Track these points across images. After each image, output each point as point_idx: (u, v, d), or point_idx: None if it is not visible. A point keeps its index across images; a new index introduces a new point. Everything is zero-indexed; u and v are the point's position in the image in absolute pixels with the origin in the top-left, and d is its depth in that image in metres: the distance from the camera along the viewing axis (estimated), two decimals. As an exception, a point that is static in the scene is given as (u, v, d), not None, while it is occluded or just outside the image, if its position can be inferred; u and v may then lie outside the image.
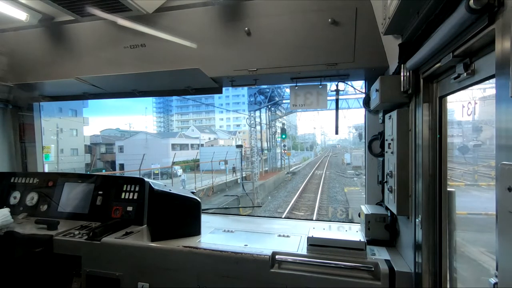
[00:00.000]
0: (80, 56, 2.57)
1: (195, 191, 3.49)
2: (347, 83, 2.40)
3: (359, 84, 2.55)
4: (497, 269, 0.83)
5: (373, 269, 1.71)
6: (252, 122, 24.20)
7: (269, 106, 25.78)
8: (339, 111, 2.50)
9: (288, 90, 21.97)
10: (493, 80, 0.92)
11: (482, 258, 1.70)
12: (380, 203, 2.19)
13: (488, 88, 1.34)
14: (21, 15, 2.26)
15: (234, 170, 25.91)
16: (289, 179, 26.48)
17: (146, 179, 2.62)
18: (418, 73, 1.54)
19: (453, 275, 1.45)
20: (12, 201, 2.87)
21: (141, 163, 16.80)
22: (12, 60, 2.72)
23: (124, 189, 2.65)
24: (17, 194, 2.89)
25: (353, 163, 30.61)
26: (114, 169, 31.16)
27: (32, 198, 2.84)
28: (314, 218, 12.70)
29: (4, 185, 2.97)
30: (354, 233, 2.01)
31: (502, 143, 0.83)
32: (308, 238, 1.89)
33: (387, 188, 1.86)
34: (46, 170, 4.50)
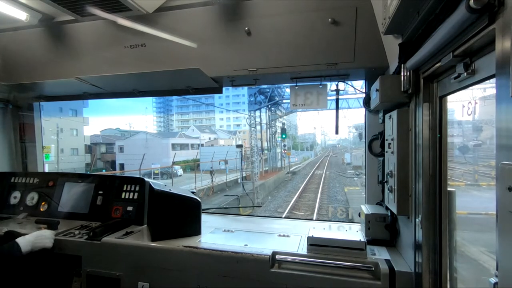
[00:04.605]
0: (80, 56, 2.56)
1: (195, 191, 3.49)
2: (347, 83, 2.40)
3: (359, 84, 2.56)
4: (497, 269, 0.83)
5: (373, 269, 1.71)
6: (252, 122, 24.22)
7: (269, 106, 25.81)
8: (339, 111, 2.50)
9: (288, 90, 21.99)
10: (493, 80, 0.92)
11: (482, 258, 1.70)
12: (380, 203, 2.19)
13: (488, 88, 1.34)
14: (21, 15, 2.26)
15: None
16: (289, 179, 26.48)
17: (146, 179, 2.62)
18: (418, 72, 1.54)
19: (453, 275, 1.45)
20: (12, 201, 2.87)
21: (141, 163, 16.84)
22: (12, 60, 2.71)
23: (124, 189, 2.64)
24: (17, 194, 2.89)
25: (353, 163, 30.66)
26: (114, 169, 31.15)
27: (32, 198, 2.84)
28: (314, 218, 12.71)
29: (4, 185, 2.97)
30: (354, 233, 2.01)
31: (502, 143, 0.83)
32: (308, 238, 1.89)
33: (387, 188, 1.85)
34: (46, 170, 4.50)
